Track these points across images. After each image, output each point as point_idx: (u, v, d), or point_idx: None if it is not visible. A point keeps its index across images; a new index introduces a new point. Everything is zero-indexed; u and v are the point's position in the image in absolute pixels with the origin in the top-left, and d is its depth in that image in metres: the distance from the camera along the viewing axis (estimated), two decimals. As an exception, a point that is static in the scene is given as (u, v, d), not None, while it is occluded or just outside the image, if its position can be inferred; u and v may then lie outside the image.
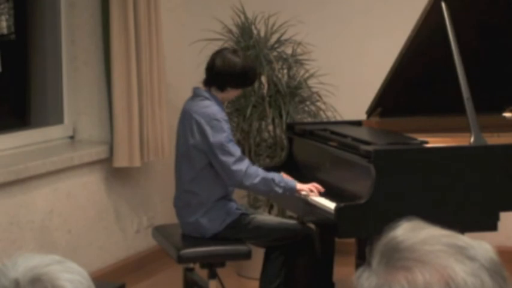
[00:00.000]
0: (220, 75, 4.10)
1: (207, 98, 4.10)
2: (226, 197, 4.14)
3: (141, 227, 5.45)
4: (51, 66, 5.24)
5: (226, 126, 4.03)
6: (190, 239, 4.17)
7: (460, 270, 1.08)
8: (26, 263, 1.22)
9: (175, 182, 4.27)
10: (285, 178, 4.03)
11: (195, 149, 4.05)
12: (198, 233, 4.14)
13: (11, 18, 5.34)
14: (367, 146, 3.78)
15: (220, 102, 4.13)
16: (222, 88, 4.12)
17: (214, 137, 3.98)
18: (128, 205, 5.36)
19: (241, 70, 4.09)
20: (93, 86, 5.18)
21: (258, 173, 3.97)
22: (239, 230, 4.11)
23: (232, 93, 4.18)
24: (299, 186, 4.01)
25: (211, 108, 4.05)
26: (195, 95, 4.16)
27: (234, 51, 4.19)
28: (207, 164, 4.05)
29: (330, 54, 5.62)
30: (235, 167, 3.95)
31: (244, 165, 3.97)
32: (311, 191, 3.99)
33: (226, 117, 4.09)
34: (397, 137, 4.08)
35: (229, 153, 3.97)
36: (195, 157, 4.07)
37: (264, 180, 3.96)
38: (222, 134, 3.98)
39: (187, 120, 4.10)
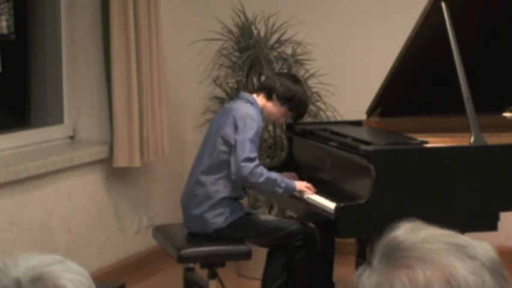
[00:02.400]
0: (275, 82, 4.23)
1: (250, 102, 4.20)
2: (235, 199, 4.17)
3: (141, 227, 5.45)
4: (51, 66, 5.24)
5: (256, 127, 4.10)
6: (190, 239, 4.17)
7: (461, 268, 1.09)
8: (27, 263, 1.22)
9: (189, 173, 4.31)
10: (285, 179, 4.07)
11: (222, 139, 4.13)
12: (201, 228, 4.15)
13: (11, 18, 5.34)
14: (367, 146, 3.78)
15: (260, 110, 4.20)
16: (268, 96, 4.22)
17: (241, 134, 4.06)
18: (128, 205, 5.36)
19: (294, 88, 4.21)
20: (93, 86, 5.18)
21: (263, 173, 4.02)
22: (241, 229, 4.13)
23: (273, 108, 4.22)
24: (298, 185, 4.06)
25: (251, 109, 4.16)
26: (239, 97, 4.29)
27: (297, 77, 4.44)
28: (226, 160, 4.10)
29: (330, 54, 5.62)
30: (244, 164, 4.01)
31: (252, 164, 4.02)
32: (307, 188, 4.06)
33: (262, 124, 4.18)
34: (397, 137, 4.08)
35: (244, 150, 4.03)
36: (219, 148, 4.14)
37: (268, 180, 4.02)
38: (249, 131, 4.06)
39: (225, 115, 4.19)
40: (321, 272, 4.33)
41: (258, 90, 4.31)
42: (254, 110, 4.16)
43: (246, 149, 4.03)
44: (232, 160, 4.07)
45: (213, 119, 4.39)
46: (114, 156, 5.05)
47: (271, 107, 4.23)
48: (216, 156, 4.15)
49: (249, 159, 4.02)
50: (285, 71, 5.37)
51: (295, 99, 4.21)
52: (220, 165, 4.13)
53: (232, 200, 4.17)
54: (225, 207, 4.13)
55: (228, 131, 4.11)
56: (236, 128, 4.09)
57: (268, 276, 4.22)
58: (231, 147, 4.09)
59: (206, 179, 4.16)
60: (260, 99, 4.24)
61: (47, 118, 5.26)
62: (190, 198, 4.22)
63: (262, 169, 4.04)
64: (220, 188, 4.13)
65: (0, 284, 1.20)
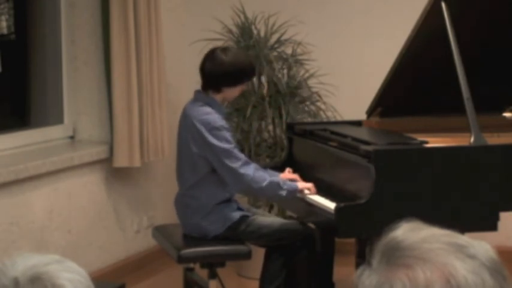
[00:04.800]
0: (212, 76, 4.07)
1: (207, 104, 4.07)
2: (227, 201, 4.15)
3: (141, 227, 5.45)
4: (51, 66, 5.24)
5: (227, 134, 4.01)
6: (190, 239, 4.17)
7: (461, 267, 1.09)
8: (26, 262, 1.22)
9: (177, 182, 4.27)
10: (287, 181, 4.04)
11: (198, 156, 4.05)
12: (199, 234, 4.14)
13: (11, 18, 5.35)
14: (367, 146, 3.78)
15: (220, 108, 4.11)
16: (217, 89, 4.07)
17: (218, 145, 3.96)
18: (128, 205, 5.36)
19: (231, 68, 4.03)
20: (93, 86, 5.18)
21: (265, 177, 3.96)
22: (240, 231, 4.11)
23: (230, 93, 4.12)
24: (300, 185, 4.04)
25: (211, 115, 4.02)
26: (196, 99, 4.14)
27: (224, 50, 4.13)
28: (210, 170, 4.05)
29: (330, 54, 5.62)
30: (243, 171, 3.94)
31: (251, 169, 3.97)
32: (308, 190, 4.03)
33: (226, 125, 4.06)
34: (397, 137, 4.08)
35: (235, 158, 3.96)
36: (198, 164, 4.06)
37: (271, 184, 3.96)
38: (225, 142, 3.97)
39: (188, 126, 4.08)
40: (321, 272, 4.33)
41: (204, 88, 4.12)
42: (214, 113, 4.02)
43: (236, 156, 3.96)
44: (226, 173, 3.98)
45: (179, 128, 4.21)
46: (114, 156, 5.05)
47: (227, 94, 4.10)
48: (198, 171, 4.06)
49: (245, 164, 3.97)
50: (285, 70, 5.37)
51: (241, 71, 4.05)
52: (206, 176, 4.06)
53: (226, 202, 4.13)
54: (220, 213, 4.09)
55: (200, 147, 4.01)
56: (205, 141, 3.97)
57: (266, 276, 4.18)
58: (211, 159, 4.00)
59: (194, 193, 4.10)
60: (213, 95, 4.08)
61: (47, 118, 5.26)
62: (183, 207, 4.17)
63: (263, 173, 3.99)
64: (211, 196, 4.08)
65: (-1, 284, 1.20)
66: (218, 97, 4.10)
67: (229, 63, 4.03)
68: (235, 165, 3.95)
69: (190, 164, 4.09)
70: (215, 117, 4.02)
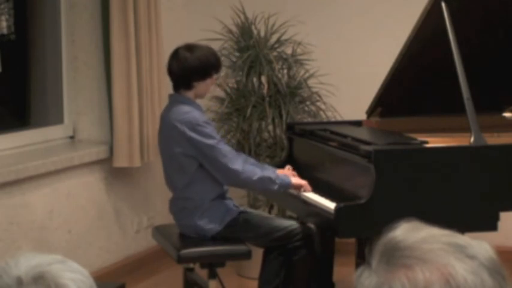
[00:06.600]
0: (180, 75, 4.09)
1: (184, 103, 4.08)
2: (222, 196, 4.14)
3: (141, 227, 5.45)
4: (51, 66, 5.24)
5: (210, 128, 4.02)
6: (190, 239, 4.17)
7: (460, 268, 1.09)
8: (29, 262, 1.22)
9: (168, 188, 4.27)
10: (280, 174, 4.04)
11: (183, 156, 4.04)
12: (198, 235, 4.13)
13: (11, 18, 5.34)
14: (367, 146, 3.79)
15: (196, 104, 4.11)
16: (188, 86, 4.09)
17: (203, 142, 3.97)
18: (128, 205, 5.36)
19: (196, 62, 4.06)
20: (93, 86, 5.18)
21: (255, 172, 3.98)
22: (239, 229, 4.11)
23: (201, 88, 4.12)
24: (294, 180, 4.04)
25: (191, 113, 4.03)
26: (172, 101, 4.15)
27: (187, 47, 4.16)
28: (197, 167, 4.05)
29: (330, 54, 5.63)
30: (232, 165, 3.96)
31: (240, 162, 3.98)
32: (303, 187, 4.03)
33: (207, 120, 4.08)
34: (397, 137, 4.09)
35: (223, 154, 3.97)
36: (185, 164, 4.05)
37: (261, 179, 3.97)
38: (209, 138, 3.98)
39: (169, 130, 4.07)
40: (321, 272, 4.33)
41: (176, 89, 4.14)
42: (194, 111, 4.04)
43: (224, 151, 3.97)
44: (215, 169, 3.99)
45: (159, 131, 4.22)
46: (114, 156, 5.05)
47: (199, 90, 4.11)
48: (186, 171, 4.06)
49: (234, 158, 3.98)
50: (285, 70, 5.37)
51: (207, 64, 4.07)
52: (195, 174, 4.05)
53: (221, 198, 4.12)
54: (216, 210, 4.09)
55: (185, 146, 4.01)
56: (190, 140, 3.98)
57: (265, 276, 4.17)
58: (198, 155, 4.00)
59: (188, 194, 4.10)
60: (186, 93, 4.10)
61: (47, 118, 5.26)
62: (179, 211, 4.17)
63: (253, 168, 4.00)
64: (205, 193, 4.08)
65: (1, 283, 1.20)
66: (191, 94, 4.11)
67: (195, 58, 4.07)
68: (223, 160, 3.97)
69: (176, 166, 4.09)
70: (195, 115, 4.03)
